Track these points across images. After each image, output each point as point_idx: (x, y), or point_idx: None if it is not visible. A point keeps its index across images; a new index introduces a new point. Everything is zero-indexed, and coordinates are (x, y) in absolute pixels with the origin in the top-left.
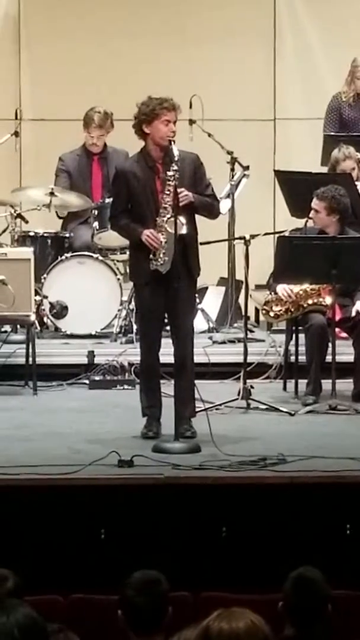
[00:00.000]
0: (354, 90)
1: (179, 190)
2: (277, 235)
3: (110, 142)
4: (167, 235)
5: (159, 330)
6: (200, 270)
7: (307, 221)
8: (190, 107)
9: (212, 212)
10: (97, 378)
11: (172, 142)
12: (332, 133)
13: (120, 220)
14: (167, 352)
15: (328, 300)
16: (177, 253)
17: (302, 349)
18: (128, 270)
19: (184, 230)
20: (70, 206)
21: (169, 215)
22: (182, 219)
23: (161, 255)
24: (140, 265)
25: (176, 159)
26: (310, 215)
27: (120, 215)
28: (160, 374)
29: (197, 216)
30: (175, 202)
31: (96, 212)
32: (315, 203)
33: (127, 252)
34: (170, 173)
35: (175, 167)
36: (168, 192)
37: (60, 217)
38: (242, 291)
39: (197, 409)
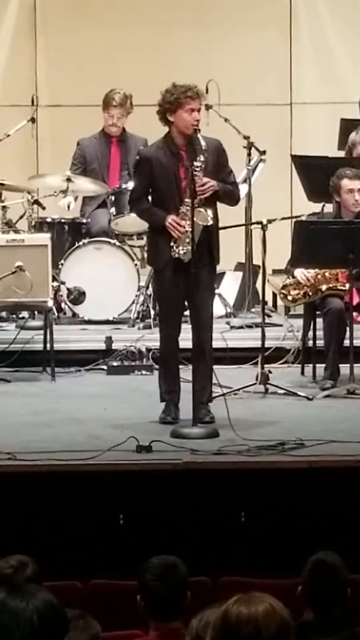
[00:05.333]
0: None
1: (204, 180)
2: (294, 220)
3: (127, 127)
4: (192, 224)
5: (178, 316)
6: (220, 258)
7: (324, 205)
8: (207, 92)
9: (233, 199)
10: (115, 364)
11: (197, 131)
12: None
13: (142, 204)
14: (185, 338)
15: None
16: (200, 242)
17: (319, 333)
18: (146, 255)
19: (209, 222)
20: (87, 192)
21: (195, 206)
22: (209, 211)
23: (185, 245)
24: (159, 250)
25: (205, 149)
26: (356, 197)
27: (141, 199)
28: (179, 360)
29: (217, 204)
30: (194, 191)
31: (113, 198)
32: (355, 184)
33: (144, 238)
34: (197, 164)
35: (202, 158)
36: (194, 183)
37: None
38: (260, 276)
39: (214, 394)
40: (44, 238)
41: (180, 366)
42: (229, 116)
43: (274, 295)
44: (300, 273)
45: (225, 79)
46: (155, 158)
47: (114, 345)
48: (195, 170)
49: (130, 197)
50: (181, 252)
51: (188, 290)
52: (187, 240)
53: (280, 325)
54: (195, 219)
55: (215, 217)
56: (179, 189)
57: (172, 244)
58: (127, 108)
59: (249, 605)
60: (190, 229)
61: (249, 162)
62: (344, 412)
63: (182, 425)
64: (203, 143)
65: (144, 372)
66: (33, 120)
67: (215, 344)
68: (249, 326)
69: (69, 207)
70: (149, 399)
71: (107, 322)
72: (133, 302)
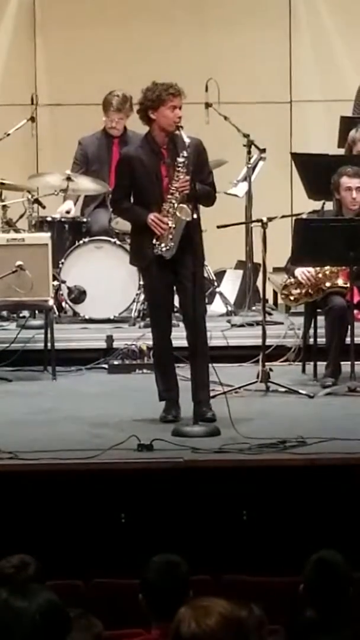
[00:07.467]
0: None
1: (185, 178)
2: (294, 218)
3: (128, 127)
4: (175, 221)
5: (168, 313)
6: (204, 255)
7: (324, 203)
8: (207, 90)
9: (209, 200)
10: (115, 362)
11: (180, 128)
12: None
13: (123, 204)
14: (180, 336)
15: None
16: (183, 238)
17: (321, 331)
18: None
19: (194, 216)
20: (87, 191)
21: (178, 202)
22: (190, 206)
23: (167, 241)
24: (142, 248)
25: (187, 145)
26: (353, 195)
27: (123, 199)
28: (175, 357)
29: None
30: (192, 187)
31: None
32: (354, 182)
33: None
34: (180, 160)
35: (186, 154)
36: (177, 179)
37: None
38: (260, 274)
39: (216, 392)
40: (45, 237)
41: (180, 364)
42: (228, 114)
43: (275, 293)
44: (300, 273)
45: (225, 77)
46: (137, 157)
47: (115, 344)
48: (179, 166)
49: (112, 198)
50: (164, 249)
51: (177, 289)
52: (170, 236)
53: (281, 323)
54: (179, 213)
55: (197, 215)
56: (161, 187)
57: (154, 241)
58: (126, 111)
59: (199, 622)
60: (173, 225)
61: (249, 160)
62: (345, 410)
63: (183, 424)
64: (187, 140)
65: (144, 370)
66: (33, 119)
67: (216, 342)
68: (250, 324)
69: (68, 213)
70: (150, 398)
71: (107, 320)
72: (134, 301)
